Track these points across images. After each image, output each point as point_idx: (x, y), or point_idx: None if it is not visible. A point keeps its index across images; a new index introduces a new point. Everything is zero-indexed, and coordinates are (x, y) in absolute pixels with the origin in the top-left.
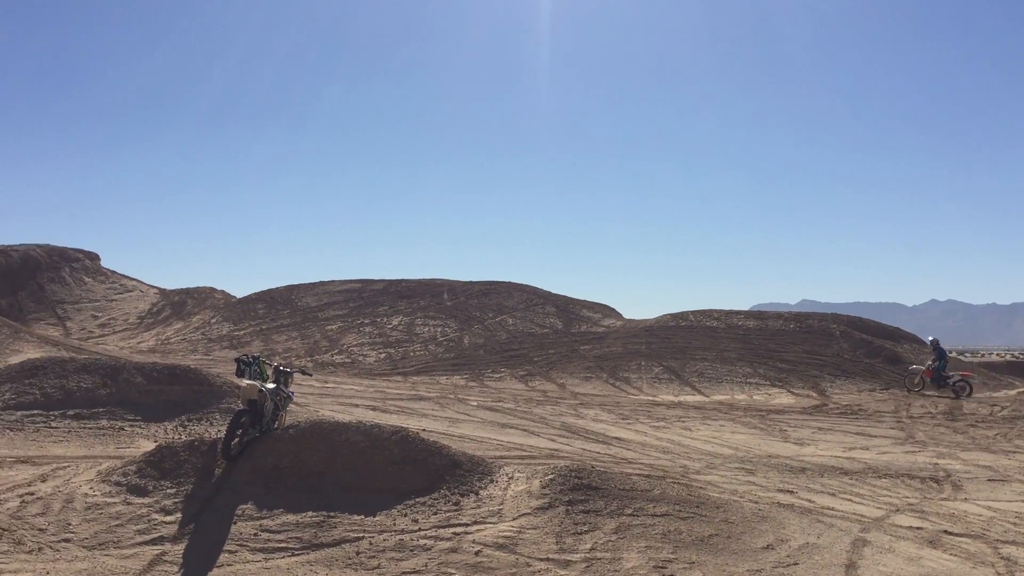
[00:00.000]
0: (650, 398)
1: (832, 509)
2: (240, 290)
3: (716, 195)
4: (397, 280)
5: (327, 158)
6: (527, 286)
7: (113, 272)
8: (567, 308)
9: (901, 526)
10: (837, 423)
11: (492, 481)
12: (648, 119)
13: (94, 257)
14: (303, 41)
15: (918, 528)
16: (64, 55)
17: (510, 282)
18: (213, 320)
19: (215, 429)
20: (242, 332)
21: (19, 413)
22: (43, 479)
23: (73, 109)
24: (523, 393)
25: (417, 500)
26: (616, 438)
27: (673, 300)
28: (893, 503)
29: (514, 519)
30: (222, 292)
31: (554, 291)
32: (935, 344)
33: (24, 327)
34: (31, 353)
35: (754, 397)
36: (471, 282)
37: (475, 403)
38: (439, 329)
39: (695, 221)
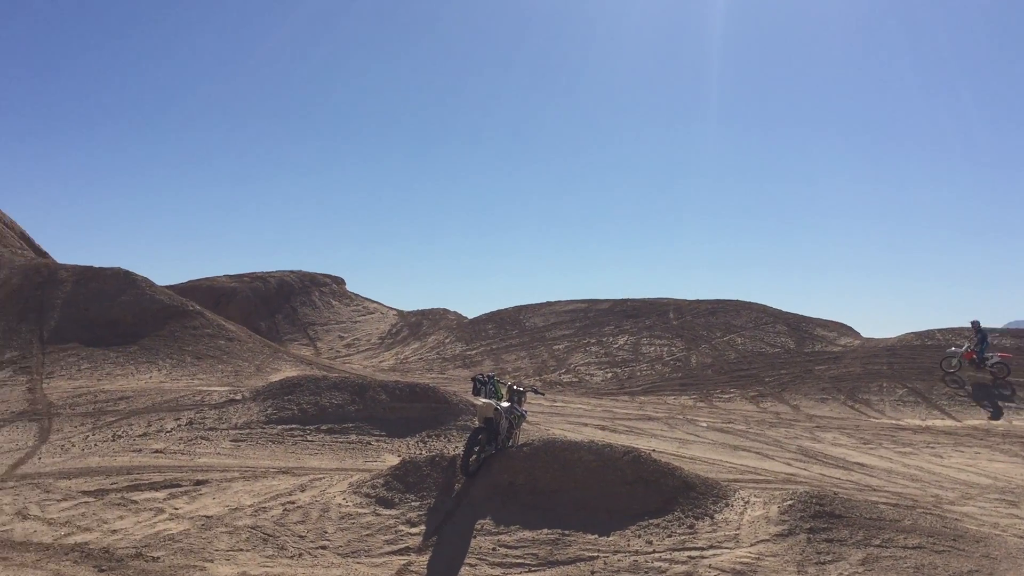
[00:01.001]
0: (893, 422)
1: None
2: (471, 311)
3: (958, 200)
4: (622, 299)
5: (544, 182)
6: (756, 304)
7: (357, 295)
8: (799, 327)
9: None
10: None
11: (727, 505)
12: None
13: (340, 281)
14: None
15: None
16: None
17: (738, 300)
18: (447, 340)
19: (453, 445)
20: (474, 352)
21: (280, 427)
22: (302, 489)
23: (309, 158)
24: (754, 414)
25: (651, 521)
26: (858, 464)
27: (916, 318)
28: None
29: (752, 545)
30: (455, 313)
31: (784, 309)
32: (976, 325)
33: (281, 347)
34: (289, 371)
35: (1014, 423)
36: (697, 300)
37: (704, 424)
38: (665, 348)
39: (938, 232)
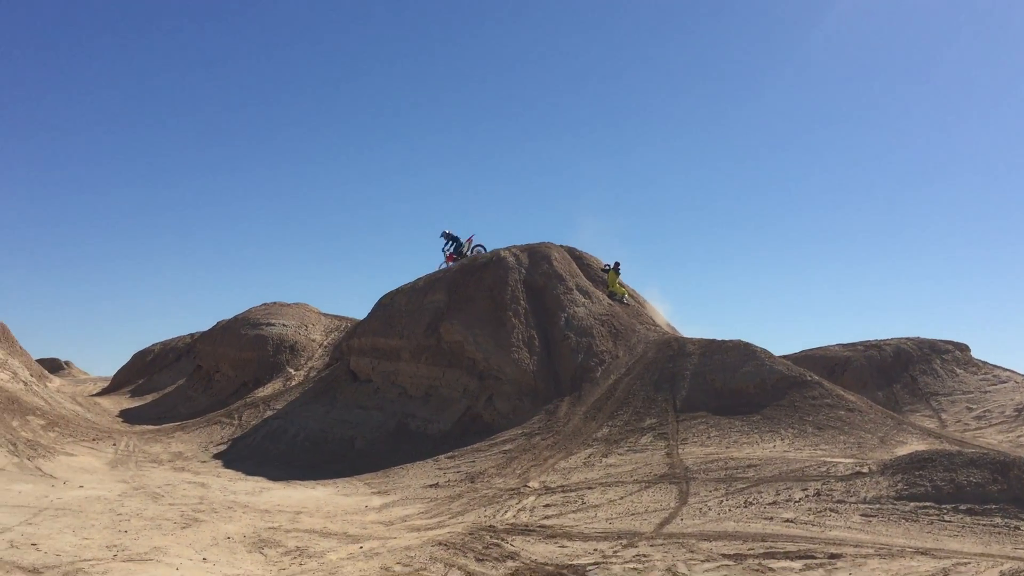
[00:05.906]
0: None
1: None
2: None
3: None
4: None
5: None
6: None
7: (984, 363)
8: None
9: None
10: None
11: None
12: None
13: (964, 348)
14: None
15: None
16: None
17: None
18: None
19: None
20: None
21: (912, 504)
22: (945, 573)
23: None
24: None
25: None
26: None
27: None
28: None
29: None
30: None
31: None
32: None
33: (903, 418)
34: (915, 444)
35: None
36: None
37: None
38: None
39: None
